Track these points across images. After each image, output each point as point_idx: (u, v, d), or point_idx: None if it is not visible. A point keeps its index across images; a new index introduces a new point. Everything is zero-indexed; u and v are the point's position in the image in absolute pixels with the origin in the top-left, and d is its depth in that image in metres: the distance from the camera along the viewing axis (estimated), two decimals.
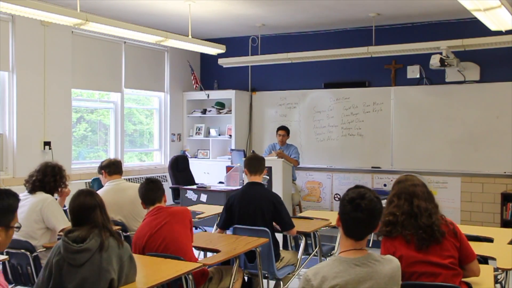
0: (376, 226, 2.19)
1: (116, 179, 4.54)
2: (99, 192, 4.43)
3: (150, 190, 3.50)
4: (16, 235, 3.58)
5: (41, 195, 3.85)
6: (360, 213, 2.11)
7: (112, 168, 4.55)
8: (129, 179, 7.61)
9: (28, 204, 3.77)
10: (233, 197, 4.19)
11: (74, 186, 4.81)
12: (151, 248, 3.36)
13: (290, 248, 4.68)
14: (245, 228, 3.99)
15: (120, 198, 4.40)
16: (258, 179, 4.19)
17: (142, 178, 7.92)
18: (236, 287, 3.65)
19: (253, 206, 4.04)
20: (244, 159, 5.31)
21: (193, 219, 4.70)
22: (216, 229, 4.36)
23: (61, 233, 3.57)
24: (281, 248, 4.38)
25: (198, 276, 3.39)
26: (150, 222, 3.43)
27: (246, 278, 4.18)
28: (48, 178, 3.89)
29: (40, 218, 3.72)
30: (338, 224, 2.20)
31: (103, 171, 4.57)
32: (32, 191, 3.84)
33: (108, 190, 4.44)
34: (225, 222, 4.19)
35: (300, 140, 8.14)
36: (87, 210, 2.64)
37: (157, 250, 3.34)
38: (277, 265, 4.05)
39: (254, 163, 4.21)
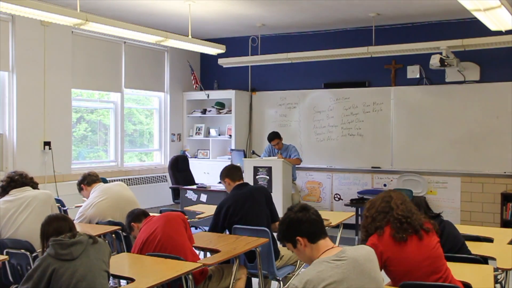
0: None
1: (97, 184, 4.55)
2: (95, 202, 4.41)
3: (141, 211, 3.77)
4: (21, 234, 3.65)
5: (39, 190, 3.92)
6: (312, 214, 2.32)
7: (89, 178, 4.56)
8: (129, 179, 7.62)
9: (31, 198, 3.79)
10: (225, 202, 4.15)
11: (74, 186, 4.84)
12: (148, 251, 3.38)
13: None
14: (245, 228, 3.99)
15: (118, 196, 4.44)
16: (242, 181, 4.33)
17: (142, 178, 7.92)
18: (240, 286, 3.65)
19: (249, 203, 4.07)
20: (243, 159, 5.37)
21: (193, 219, 4.72)
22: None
23: None
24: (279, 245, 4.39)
25: (197, 274, 3.38)
26: (144, 230, 3.50)
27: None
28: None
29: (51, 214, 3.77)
30: (302, 246, 2.28)
31: (82, 185, 4.57)
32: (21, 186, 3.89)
33: (101, 195, 4.42)
34: (217, 229, 4.13)
35: (300, 140, 8.14)
36: (62, 233, 2.68)
37: (154, 251, 3.35)
38: (277, 264, 4.05)
39: (235, 171, 4.34)
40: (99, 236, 3.62)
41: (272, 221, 4.18)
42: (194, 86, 8.68)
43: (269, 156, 7.07)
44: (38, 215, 3.74)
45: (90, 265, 2.58)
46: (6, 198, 3.83)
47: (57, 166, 6.50)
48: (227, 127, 8.64)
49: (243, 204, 4.07)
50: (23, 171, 4.04)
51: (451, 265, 2.78)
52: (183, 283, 3.11)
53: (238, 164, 4.86)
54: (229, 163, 7.88)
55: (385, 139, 7.62)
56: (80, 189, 4.61)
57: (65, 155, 6.71)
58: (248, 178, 6.31)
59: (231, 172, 4.34)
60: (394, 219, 2.67)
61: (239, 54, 7.85)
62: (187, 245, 3.45)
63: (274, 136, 7.04)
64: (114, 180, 7.19)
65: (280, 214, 4.31)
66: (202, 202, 6.85)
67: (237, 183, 4.29)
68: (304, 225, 2.28)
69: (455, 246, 3.18)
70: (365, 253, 2.24)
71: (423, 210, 3.33)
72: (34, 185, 3.99)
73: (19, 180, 3.89)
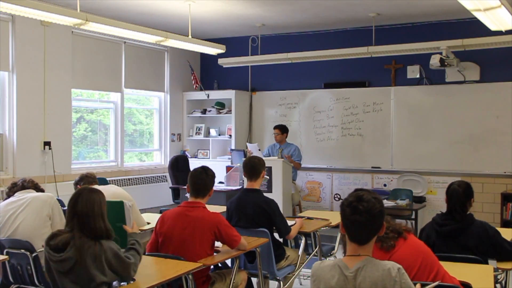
0: (378, 227, 2.15)
1: (92, 186, 4.56)
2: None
3: (198, 178, 3.55)
4: (21, 233, 3.66)
5: (43, 193, 3.94)
6: (358, 216, 2.08)
7: (86, 180, 4.53)
8: (129, 179, 7.63)
9: (32, 198, 3.82)
10: (230, 203, 4.17)
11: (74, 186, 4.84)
12: (167, 244, 3.38)
13: (290, 248, 4.67)
14: (245, 228, 3.98)
15: (113, 193, 4.46)
16: (254, 185, 4.12)
17: (142, 178, 7.92)
18: None
19: (245, 216, 4.00)
20: (243, 159, 5.32)
21: None
22: None
23: None
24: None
25: (200, 281, 3.36)
26: (178, 216, 3.41)
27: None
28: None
29: (51, 214, 3.78)
30: (342, 231, 2.19)
31: (78, 186, 4.53)
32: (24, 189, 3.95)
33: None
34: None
35: (300, 140, 8.14)
36: (92, 207, 2.68)
37: (173, 250, 3.34)
38: (283, 264, 4.06)
39: (247, 170, 4.16)
40: None
41: (280, 236, 4.09)
42: (194, 86, 8.68)
43: (269, 156, 7.06)
44: (37, 215, 3.77)
45: (80, 280, 2.57)
46: (10, 199, 3.90)
47: (57, 166, 6.50)
48: (227, 127, 8.64)
49: (242, 214, 4.03)
50: (30, 177, 4.09)
51: (451, 265, 2.79)
52: (183, 283, 3.11)
53: None
54: (229, 163, 7.90)
55: (385, 139, 7.62)
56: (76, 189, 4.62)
57: (65, 155, 6.71)
58: None
59: (244, 169, 4.25)
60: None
61: (239, 54, 7.85)
62: (203, 256, 3.34)
63: (277, 126, 7.18)
64: (114, 180, 7.21)
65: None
66: None
67: (248, 185, 4.17)
68: (349, 227, 2.13)
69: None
70: (378, 275, 2.03)
71: (457, 200, 3.41)
72: (38, 190, 4.02)
73: (19, 185, 3.96)
